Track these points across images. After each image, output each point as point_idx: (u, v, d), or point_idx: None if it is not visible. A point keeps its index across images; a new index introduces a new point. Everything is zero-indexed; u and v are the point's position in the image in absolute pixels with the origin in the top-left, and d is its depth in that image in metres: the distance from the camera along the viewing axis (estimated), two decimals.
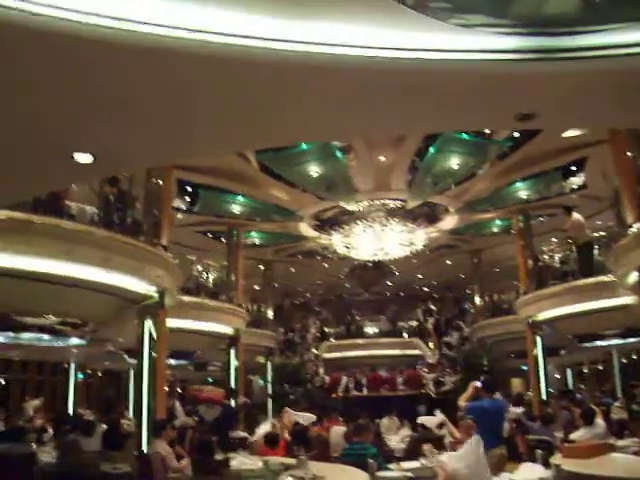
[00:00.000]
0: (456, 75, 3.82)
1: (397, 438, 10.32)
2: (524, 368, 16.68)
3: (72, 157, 4.60)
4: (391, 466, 6.68)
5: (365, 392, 17.72)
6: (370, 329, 24.09)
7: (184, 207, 14.11)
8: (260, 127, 4.56)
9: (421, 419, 10.30)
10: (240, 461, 6.42)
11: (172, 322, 10.46)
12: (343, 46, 3.58)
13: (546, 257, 15.05)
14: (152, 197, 10.24)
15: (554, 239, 15.09)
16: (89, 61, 3.50)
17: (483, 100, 4.22)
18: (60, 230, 7.38)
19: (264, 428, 9.67)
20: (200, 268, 14.88)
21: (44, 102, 3.91)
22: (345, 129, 5.18)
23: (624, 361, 20.04)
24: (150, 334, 9.16)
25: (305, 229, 16.46)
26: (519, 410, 11.32)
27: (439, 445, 8.59)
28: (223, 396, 12.38)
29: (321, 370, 19.83)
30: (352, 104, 4.25)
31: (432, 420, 9.87)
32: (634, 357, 19.12)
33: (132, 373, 15.41)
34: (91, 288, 8.11)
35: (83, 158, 4.64)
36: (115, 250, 8.11)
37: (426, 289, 25.93)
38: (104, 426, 8.41)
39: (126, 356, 13.10)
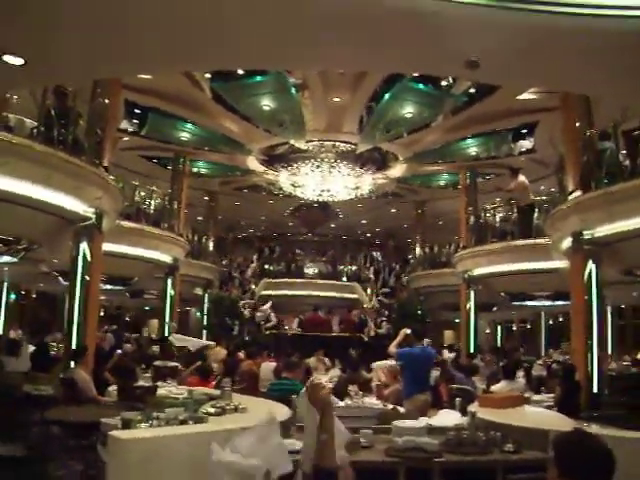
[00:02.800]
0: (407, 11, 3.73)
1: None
2: (457, 321, 17.22)
3: (1, 58, 4.39)
4: None
5: (298, 330, 17.91)
6: (310, 270, 24.23)
7: (131, 129, 13.67)
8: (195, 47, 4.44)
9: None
10: (167, 390, 6.45)
11: (110, 246, 10.24)
12: None
13: (488, 215, 15.34)
14: (96, 115, 9.81)
15: (498, 198, 15.38)
16: None
17: (433, 41, 4.15)
18: None
19: None
20: (143, 194, 14.49)
21: None
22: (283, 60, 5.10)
23: (551, 322, 20.98)
24: (84, 257, 8.93)
25: (253, 163, 16.27)
26: (451, 355, 11.85)
27: (365, 387, 8.85)
28: None
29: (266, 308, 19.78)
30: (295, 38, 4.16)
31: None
32: (560, 319, 19.95)
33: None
34: (26, 204, 7.78)
35: (13, 60, 4.41)
36: (54, 167, 7.78)
37: (369, 235, 26.23)
38: (32, 347, 8.25)
39: (60, 278, 12.82)
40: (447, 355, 12.94)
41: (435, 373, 8.72)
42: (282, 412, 4.78)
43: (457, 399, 6.11)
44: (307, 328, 17.61)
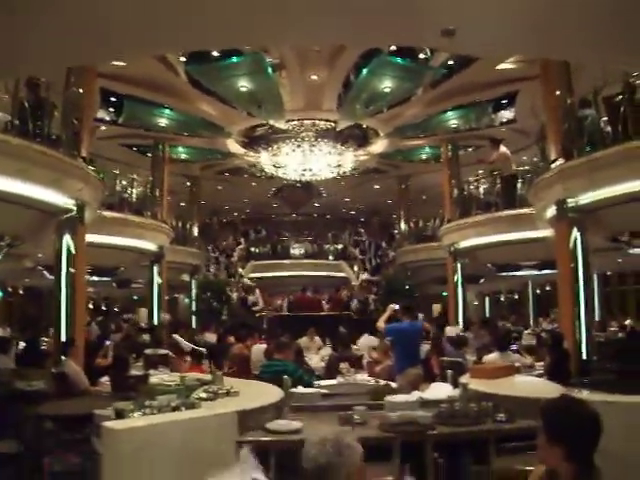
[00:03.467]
0: None
1: (317, 357, 10.57)
2: (445, 294, 17.32)
3: None
4: None
5: (287, 311, 17.91)
6: (296, 250, 24.23)
7: (108, 118, 13.49)
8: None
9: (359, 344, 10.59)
10: (159, 378, 6.42)
11: (93, 238, 10.15)
12: None
13: (471, 187, 15.37)
14: (71, 105, 9.64)
15: (481, 170, 15.40)
16: None
17: (406, 11, 4.12)
18: None
19: None
20: (124, 183, 14.36)
21: None
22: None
23: (538, 292, 21.15)
24: (68, 249, 8.84)
25: (233, 146, 16.14)
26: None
27: (357, 364, 8.90)
28: None
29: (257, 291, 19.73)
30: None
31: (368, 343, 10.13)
32: (547, 288, 20.12)
33: None
34: (6, 200, 7.67)
35: None
36: (31, 160, 7.67)
37: (353, 212, 26.22)
38: (22, 344, 8.18)
39: (46, 272, 12.70)
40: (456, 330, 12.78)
41: (425, 347, 8.76)
42: (274, 393, 4.79)
43: (448, 371, 6.15)
44: (296, 309, 17.63)
